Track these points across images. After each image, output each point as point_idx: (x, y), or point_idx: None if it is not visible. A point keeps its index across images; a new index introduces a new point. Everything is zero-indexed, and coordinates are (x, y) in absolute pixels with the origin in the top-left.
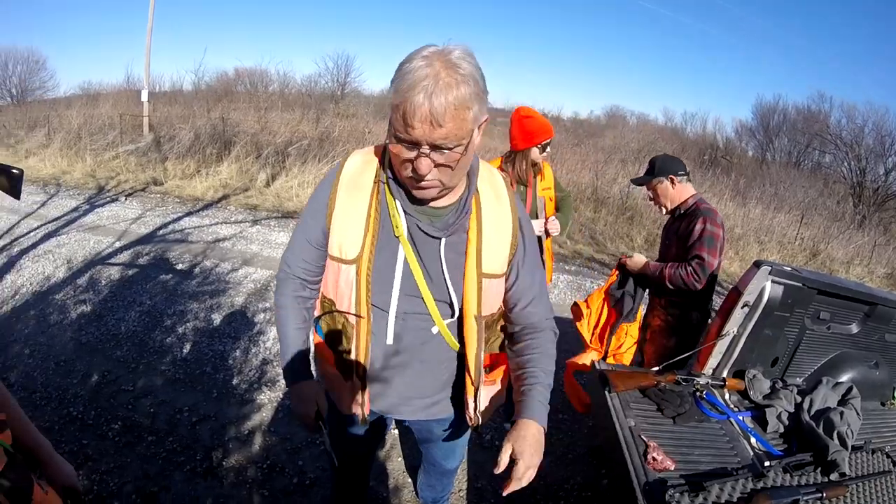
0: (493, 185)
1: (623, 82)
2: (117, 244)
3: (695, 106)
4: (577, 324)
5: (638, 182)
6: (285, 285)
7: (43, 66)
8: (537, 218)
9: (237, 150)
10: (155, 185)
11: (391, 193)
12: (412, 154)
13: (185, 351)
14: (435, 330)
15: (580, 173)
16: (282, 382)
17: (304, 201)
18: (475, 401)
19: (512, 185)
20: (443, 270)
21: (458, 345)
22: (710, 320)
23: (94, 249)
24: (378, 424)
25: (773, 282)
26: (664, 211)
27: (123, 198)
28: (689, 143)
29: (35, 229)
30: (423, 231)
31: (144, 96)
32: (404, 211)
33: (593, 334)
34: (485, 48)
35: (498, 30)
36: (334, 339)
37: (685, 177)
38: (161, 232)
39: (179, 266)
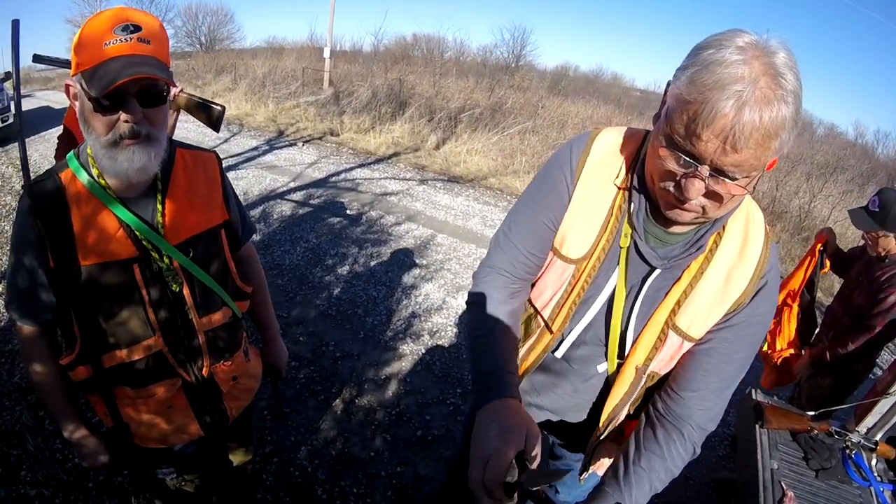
0: (746, 230)
1: (813, 86)
2: (291, 184)
3: (890, 124)
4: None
5: (861, 223)
6: (493, 287)
7: (231, 20)
8: None
9: (411, 111)
10: (331, 136)
11: (630, 196)
12: (683, 169)
13: (340, 290)
14: (602, 368)
15: (758, 181)
16: (426, 337)
17: (471, 168)
18: (592, 454)
19: None
20: (634, 304)
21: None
22: (871, 373)
23: (270, 186)
24: None
25: None
26: (875, 255)
27: (301, 143)
28: (879, 165)
29: None
30: (638, 251)
31: (327, 53)
32: (632, 220)
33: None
34: (655, 21)
35: (676, 12)
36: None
37: None
38: (333, 179)
39: (347, 212)
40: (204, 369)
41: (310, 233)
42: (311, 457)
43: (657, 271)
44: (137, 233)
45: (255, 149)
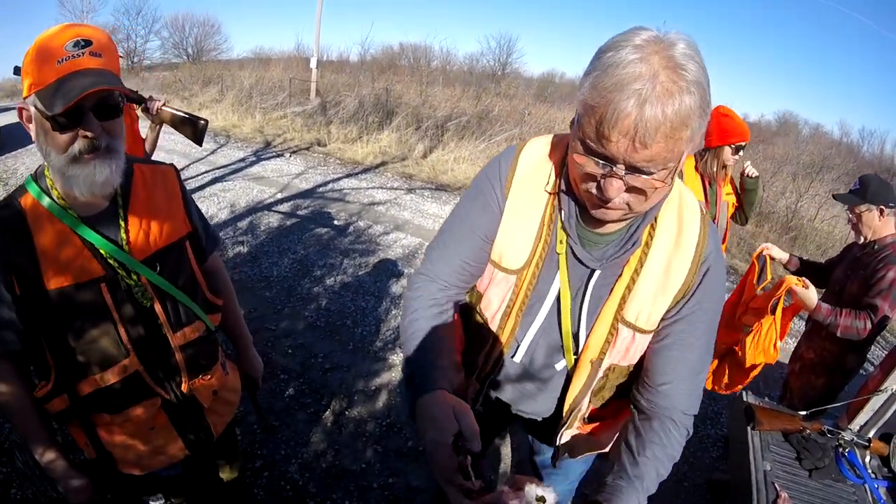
0: (680, 218)
1: (798, 86)
2: (279, 195)
3: (874, 123)
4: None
5: (844, 200)
6: (424, 294)
7: (218, 31)
8: (716, 222)
9: (398, 120)
10: (318, 146)
11: (560, 202)
12: (601, 170)
13: (328, 302)
14: (561, 366)
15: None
16: None
17: (459, 177)
18: (557, 440)
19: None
20: (582, 304)
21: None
22: (862, 368)
23: (257, 197)
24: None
25: None
26: (861, 240)
27: (288, 154)
28: (865, 163)
29: (203, 173)
30: (575, 255)
31: (313, 63)
32: (566, 227)
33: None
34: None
35: (666, 15)
36: (473, 334)
37: (894, 209)
38: (321, 189)
39: (335, 222)
40: (183, 385)
41: (297, 244)
42: (302, 470)
43: (598, 273)
44: (103, 251)
45: (243, 160)
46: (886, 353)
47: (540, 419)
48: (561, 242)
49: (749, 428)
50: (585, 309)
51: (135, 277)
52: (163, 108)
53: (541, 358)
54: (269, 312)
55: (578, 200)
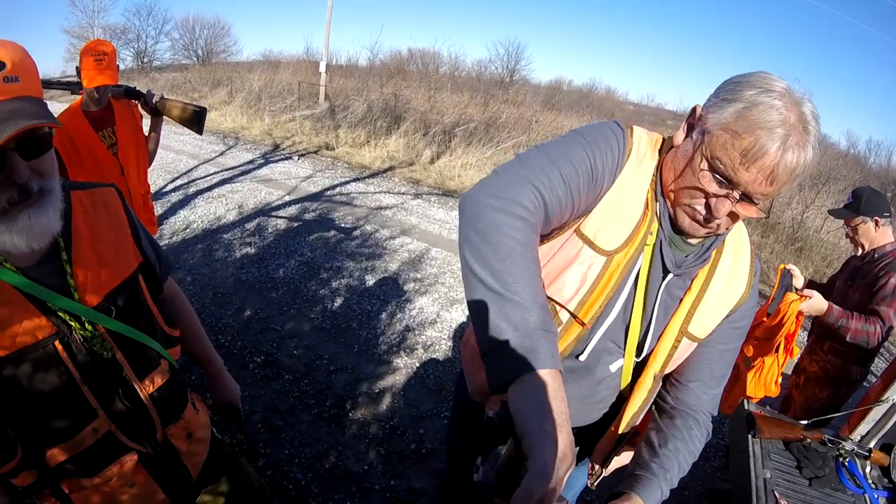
0: (737, 241)
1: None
2: (287, 198)
3: (882, 134)
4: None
5: (838, 214)
6: (523, 228)
7: (227, 33)
8: None
9: (406, 125)
10: (326, 150)
11: (655, 198)
12: (716, 190)
13: (335, 304)
14: (615, 367)
15: None
16: (420, 351)
17: (465, 183)
18: (608, 456)
19: None
20: (653, 309)
21: (626, 392)
22: (866, 381)
23: (265, 199)
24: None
25: None
26: (860, 251)
27: (296, 157)
28: (872, 175)
29: (212, 174)
30: (661, 253)
31: (322, 67)
32: (661, 220)
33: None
34: (648, 36)
35: (669, 26)
36: None
37: (889, 218)
38: (328, 192)
39: (342, 226)
40: (158, 434)
41: (304, 246)
42: (305, 470)
43: (670, 276)
44: (50, 305)
45: (251, 162)
46: (888, 363)
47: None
48: (652, 234)
49: (750, 436)
50: (655, 315)
51: (90, 327)
52: (161, 99)
53: (603, 358)
54: (276, 313)
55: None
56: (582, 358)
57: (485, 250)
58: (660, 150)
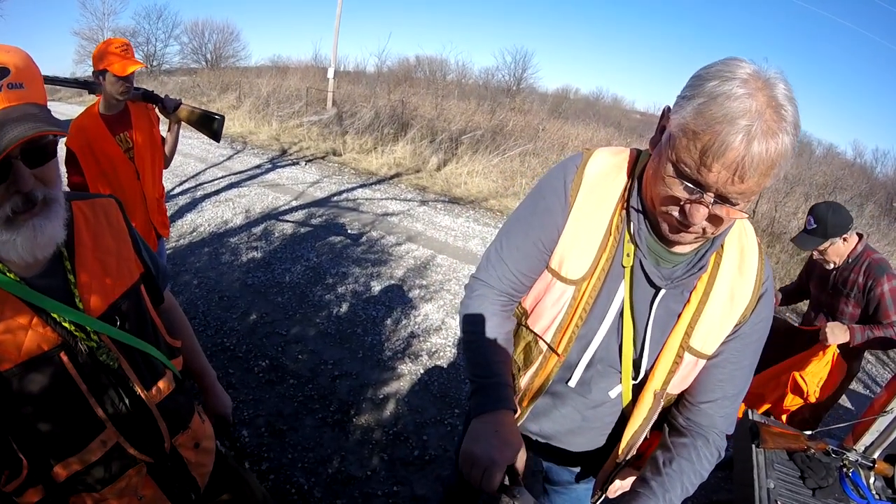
0: (741, 247)
1: (812, 106)
2: (293, 203)
3: (888, 144)
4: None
5: (805, 245)
6: (487, 301)
7: (237, 38)
8: None
9: (413, 132)
10: (334, 156)
11: (628, 215)
12: (688, 195)
13: (340, 309)
14: (615, 393)
15: (759, 202)
16: (424, 357)
17: (472, 190)
18: (608, 477)
19: None
20: (647, 326)
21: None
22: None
23: (272, 204)
24: None
25: None
26: (832, 266)
27: (304, 162)
28: (878, 184)
29: (219, 178)
30: (644, 271)
31: (330, 73)
32: (635, 239)
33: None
34: (655, 45)
35: (677, 36)
36: (518, 354)
37: (853, 226)
38: (335, 198)
39: (348, 231)
40: (166, 444)
41: (311, 251)
42: (308, 475)
43: (663, 292)
44: (55, 315)
45: (258, 167)
46: (893, 374)
47: (572, 449)
48: (628, 255)
49: (753, 446)
50: (649, 334)
51: (95, 337)
52: (181, 105)
53: (596, 384)
54: (281, 318)
55: (649, 218)
56: (571, 384)
57: (466, 326)
58: (635, 164)
